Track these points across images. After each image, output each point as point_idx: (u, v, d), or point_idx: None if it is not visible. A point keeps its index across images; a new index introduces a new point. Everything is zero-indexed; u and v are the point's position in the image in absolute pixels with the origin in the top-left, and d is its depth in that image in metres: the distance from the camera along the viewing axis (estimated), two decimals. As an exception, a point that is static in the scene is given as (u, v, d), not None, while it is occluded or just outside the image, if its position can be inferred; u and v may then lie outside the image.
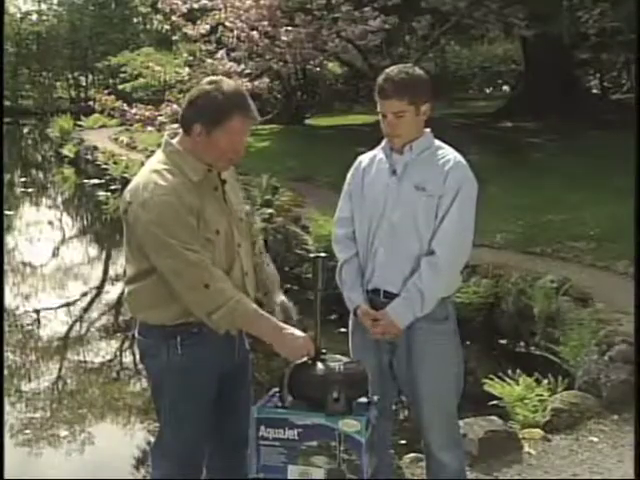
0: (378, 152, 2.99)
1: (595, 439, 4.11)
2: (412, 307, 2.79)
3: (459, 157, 2.88)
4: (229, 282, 2.47)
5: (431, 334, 2.84)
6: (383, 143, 2.96)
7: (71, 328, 7.29)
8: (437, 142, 2.93)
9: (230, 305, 2.42)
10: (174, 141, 2.59)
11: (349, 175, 3.04)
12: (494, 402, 4.49)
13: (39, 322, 7.39)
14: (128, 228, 2.55)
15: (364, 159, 3.02)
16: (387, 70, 2.88)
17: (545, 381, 4.51)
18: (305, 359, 2.44)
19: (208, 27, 13.03)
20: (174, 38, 17.28)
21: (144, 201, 2.44)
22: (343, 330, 3.18)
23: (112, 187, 14.58)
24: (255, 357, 2.86)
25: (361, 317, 2.89)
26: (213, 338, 2.57)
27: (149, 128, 12.73)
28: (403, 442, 4.21)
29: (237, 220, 2.66)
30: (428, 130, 2.93)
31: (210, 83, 2.55)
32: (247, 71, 12.97)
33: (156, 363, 2.62)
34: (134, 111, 12.25)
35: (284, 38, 12.93)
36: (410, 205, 2.82)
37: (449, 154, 2.89)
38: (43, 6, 41.77)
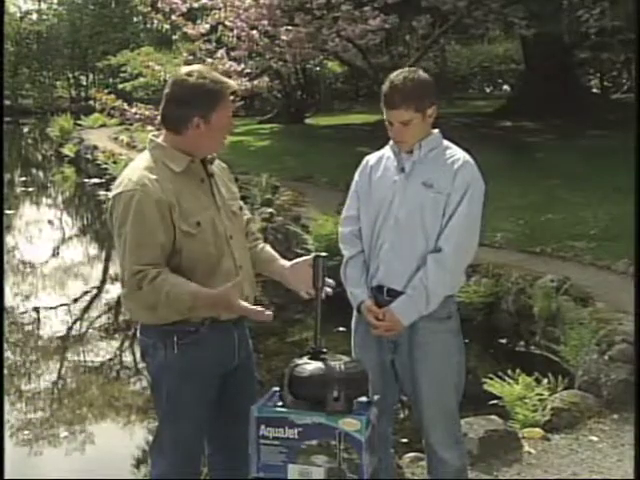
0: (386, 151, 2.99)
1: (595, 438, 4.11)
2: (417, 305, 2.80)
3: (467, 157, 2.89)
4: (167, 277, 2.44)
5: (434, 332, 2.84)
6: (391, 142, 2.96)
7: (71, 328, 7.29)
8: (445, 142, 2.94)
9: (162, 300, 2.42)
10: (158, 139, 2.61)
11: (356, 174, 3.04)
12: (494, 401, 4.50)
13: (39, 321, 7.39)
14: (110, 225, 2.59)
15: (371, 158, 3.02)
16: (391, 77, 2.85)
17: (545, 380, 4.52)
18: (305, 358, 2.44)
19: (208, 26, 13.02)
20: (174, 37, 17.26)
21: (114, 196, 2.54)
22: (342, 329, 3.18)
23: (112, 186, 14.54)
24: (255, 357, 2.85)
25: (365, 313, 2.88)
26: (212, 338, 2.57)
27: (149, 127, 12.68)
28: (403, 441, 4.22)
29: (229, 213, 2.66)
30: (437, 130, 2.94)
31: (187, 75, 2.55)
32: (247, 70, 12.96)
33: (154, 362, 2.63)
34: (134, 110, 12.22)
35: (284, 37, 12.92)
36: (417, 202, 2.83)
37: (457, 153, 2.89)
38: (43, 5, 41.81)
